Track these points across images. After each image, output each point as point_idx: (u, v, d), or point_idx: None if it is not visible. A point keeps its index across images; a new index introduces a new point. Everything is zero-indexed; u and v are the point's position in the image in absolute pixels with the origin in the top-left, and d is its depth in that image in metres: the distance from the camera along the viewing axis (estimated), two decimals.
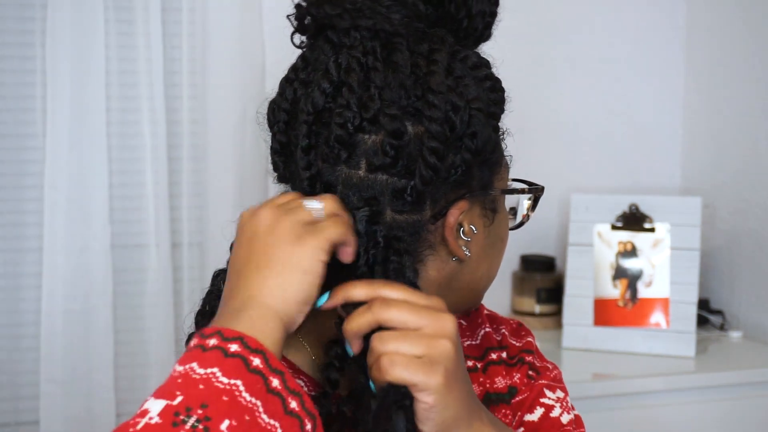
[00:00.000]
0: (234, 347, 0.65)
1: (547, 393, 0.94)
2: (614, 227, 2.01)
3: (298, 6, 0.82)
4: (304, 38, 0.83)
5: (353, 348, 0.74)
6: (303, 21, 0.81)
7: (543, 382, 0.95)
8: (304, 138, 0.77)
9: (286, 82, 0.82)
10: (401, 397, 0.70)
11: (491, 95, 0.80)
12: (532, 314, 2.11)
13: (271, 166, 0.84)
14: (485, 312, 1.00)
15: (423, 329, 0.71)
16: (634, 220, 2.00)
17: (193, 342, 0.67)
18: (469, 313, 0.97)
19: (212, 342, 0.66)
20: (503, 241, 0.87)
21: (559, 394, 0.95)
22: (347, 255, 0.74)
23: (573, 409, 0.95)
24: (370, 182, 0.77)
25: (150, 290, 1.87)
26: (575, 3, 2.23)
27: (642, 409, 1.80)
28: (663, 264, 1.97)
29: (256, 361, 0.65)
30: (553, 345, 1.99)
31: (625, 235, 2.00)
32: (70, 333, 1.81)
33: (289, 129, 0.81)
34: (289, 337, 0.75)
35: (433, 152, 0.75)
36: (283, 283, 0.70)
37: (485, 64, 0.81)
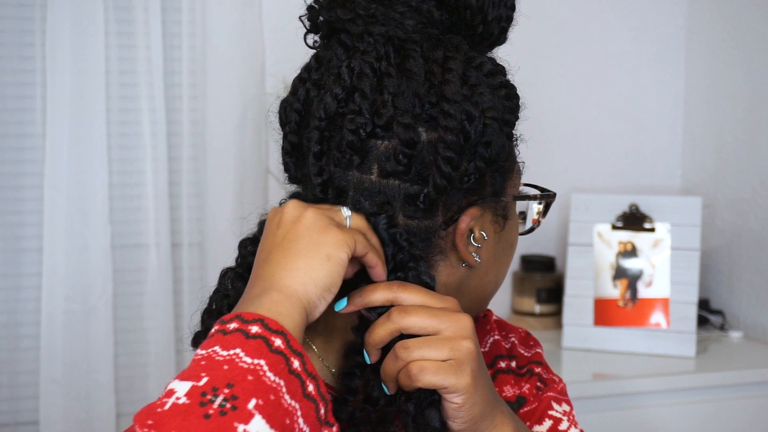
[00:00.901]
0: (255, 329, 0.65)
1: (555, 406, 0.95)
2: (614, 227, 2.01)
3: (310, 8, 0.81)
4: (317, 38, 0.82)
5: (371, 358, 0.75)
6: (315, 22, 0.81)
7: (551, 394, 0.96)
8: (316, 144, 0.77)
9: (299, 81, 0.82)
10: (430, 394, 0.74)
11: (506, 103, 0.80)
12: (532, 314, 2.11)
13: (282, 167, 0.84)
14: (494, 318, 1.00)
15: (443, 332, 0.73)
16: (634, 220, 2.00)
17: (214, 329, 0.67)
18: (476, 319, 0.97)
19: (233, 326, 0.66)
20: (513, 247, 0.87)
21: (566, 407, 0.96)
22: (378, 275, 0.75)
23: (578, 424, 0.96)
24: (382, 187, 0.77)
25: (150, 290, 1.87)
26: (575, 3, 2.23)
27: (642, 409, 1.80)
28: (663, 264, 1.97)
29: (278, 342, 0.65)
30: (553, 345, 1.99)
31: (625, 235, 2.00)
32: (70, 333, 1.81)
33: (300, 130, 0.81)
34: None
35: (447, 162, 0.75)
36: (306, 266, 0.70)
37: (500, 71, 0.81)
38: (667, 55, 2.29)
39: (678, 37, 2.28)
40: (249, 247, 0.83)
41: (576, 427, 0.94)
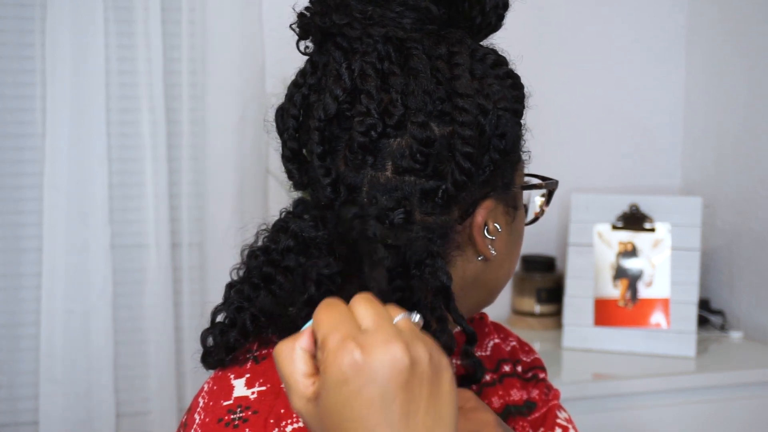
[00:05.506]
0: None
1: (558, 414, 0.96)
2: (614, 227, 2.00)
3: (301, 15, 0.80)
4: (309, 43, 0.81)
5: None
6: (308, 29, 0.80)
7: (556, 402, 0.97)
8: (318, 145, 0.76)
9: (294, 86, 0.81)
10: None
11: (513, 92, 0.80)
12: (532, 314, 2.11)
13: (283, 170, 0.83)
14: (490, 321, 1.00)
15: None
16: (634, 220, 2.00)
17: None
18: (472, 320, 0.96)
19: None
20: (521, 238, 0.87)
21: (566, 414, 0.97)
22: None
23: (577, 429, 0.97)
24: (398, 183, 0.76)
25: (150, 290, 1.87)
26: (575, 3, 2.23)
27: (642, 409, 1.80)
28: (663, 264, 1.97)
29: None
30: (553, 345, 1.99)
31: (626, 235, 2.00)
32: (69, 333, 1.81)
33: (299, 135, 0.80)
34: None
35: (467, 158, 0.75)
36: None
37: (503, 62, 0.81)
38: (667, 55, 2.28)
39: (678, 37, 2.28)
40: (261, 257, 0.80)
41: None
